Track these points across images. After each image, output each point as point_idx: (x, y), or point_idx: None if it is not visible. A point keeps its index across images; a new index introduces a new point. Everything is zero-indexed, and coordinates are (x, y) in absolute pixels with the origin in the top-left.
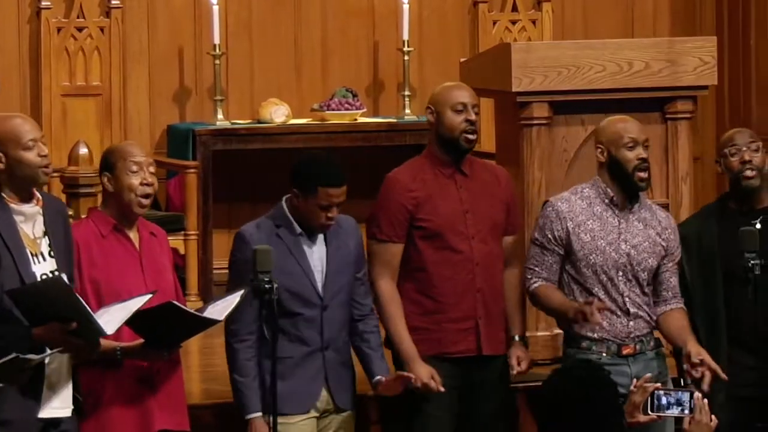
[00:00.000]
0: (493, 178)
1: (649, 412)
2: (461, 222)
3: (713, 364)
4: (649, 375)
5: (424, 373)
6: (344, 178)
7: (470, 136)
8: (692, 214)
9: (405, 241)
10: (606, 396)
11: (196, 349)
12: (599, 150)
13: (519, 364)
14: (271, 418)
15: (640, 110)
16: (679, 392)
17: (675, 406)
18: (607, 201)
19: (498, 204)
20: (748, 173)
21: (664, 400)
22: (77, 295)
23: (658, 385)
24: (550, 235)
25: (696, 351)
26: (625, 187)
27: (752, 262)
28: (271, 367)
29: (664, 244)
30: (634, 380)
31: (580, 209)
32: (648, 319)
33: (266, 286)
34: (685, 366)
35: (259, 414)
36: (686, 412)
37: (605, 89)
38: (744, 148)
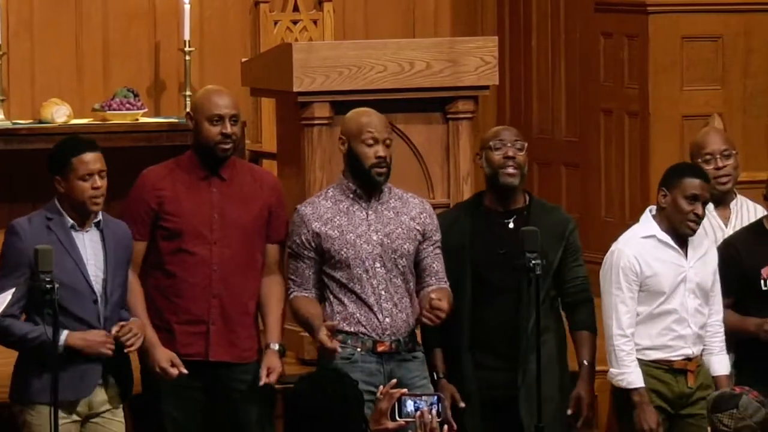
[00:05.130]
0: (255, 184)
1: (397, 418)
2: (206, 226)
3: (446, 308)
4: (394, 381)
5: (163, 357)
6: (96, 146)
7: (225, 147)
8: (446, 210)
9: (147, 238)
10: (348, 405)
11: None
12: (341, 141)
13: (268, 375)
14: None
15: (422, 110)
16: (429, 397)
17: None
18: (351, 195)
19: (256, 210)
20: (510, 170)
21: (411, 406)
22: None
23: (404, 390)
24: (298, 241)
25: (437, 295)
26: (364, 181)
27: (533, 262)
28: (51, 367)
29: (419, 228)
30: (381, 387)
31: (324, 209)
32: (407, 317)
33: (47, 286)
34: (423, 309)
35: None
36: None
37: (387, 89)
38: (509, 144)
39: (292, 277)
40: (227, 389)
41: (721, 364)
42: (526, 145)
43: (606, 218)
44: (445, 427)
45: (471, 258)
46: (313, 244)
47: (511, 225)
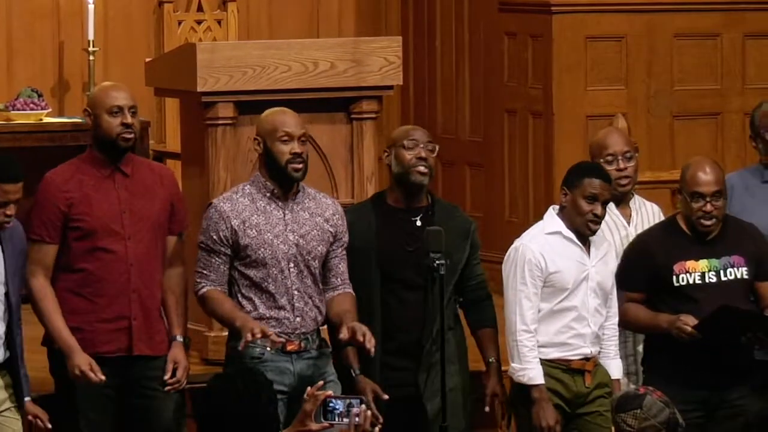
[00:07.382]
0: (155, 178)
1: (322, 420)
2: (117, 222)
3: (368, 334)
4: (321, 383)
5: (83, 361)
6: (20, 177)
7: (127, 136)
8: (350, 207)
9: (58, 241)
10: (261, 405)
11: None
12: (256, 142)
13: (175, 371)
14: None
15: (326, 110)
16: (352, 399)
17: (346, 414)
18: (268, 194)
19: (160, 204)
20: (422, 169)
21: (336, 407)
22: None
23: (330, 393)
24: (215, 236)
25: (354, 325)
26: (281, 179)
27: (437, 262)
28: None
29: (332, 230)
30: (309, 389)
31: (243, 206)
32: (315, 316)
33: None
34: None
35: None
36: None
37: (291, 89)
38: (422, 145)
39: (204, 272)
40: (143, 386)
41: (615, 368)
42: (437, 147)
43: (510, 218)
44: (377, 428)
45: (378, 257)
46: (230, 240)
47: (418, 223)
